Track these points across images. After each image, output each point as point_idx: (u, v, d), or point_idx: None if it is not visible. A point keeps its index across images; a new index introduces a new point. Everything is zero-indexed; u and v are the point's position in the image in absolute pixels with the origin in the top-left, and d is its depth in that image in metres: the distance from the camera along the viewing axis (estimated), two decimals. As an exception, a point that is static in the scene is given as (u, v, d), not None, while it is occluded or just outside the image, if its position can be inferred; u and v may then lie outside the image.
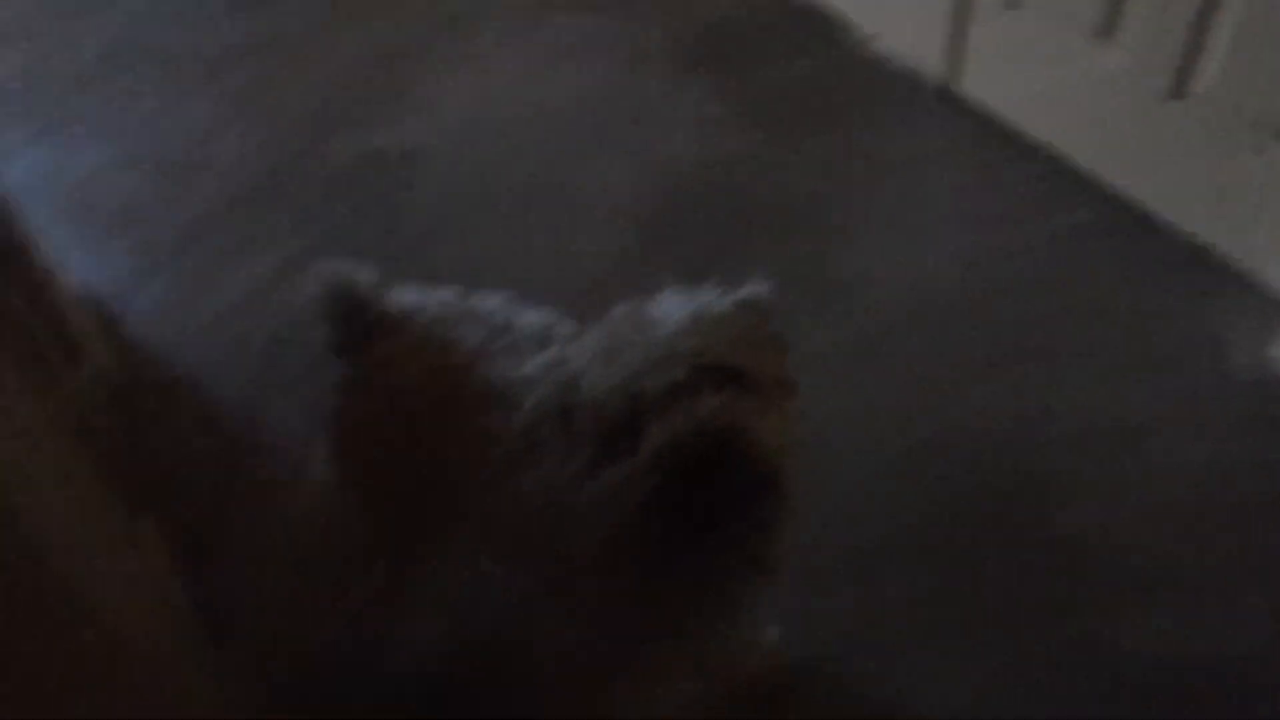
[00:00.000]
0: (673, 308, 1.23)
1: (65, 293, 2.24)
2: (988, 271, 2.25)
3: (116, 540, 1.58)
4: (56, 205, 2.69)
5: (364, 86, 2.89)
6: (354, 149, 2.70)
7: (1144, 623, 1.74)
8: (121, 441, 2.16)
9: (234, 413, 2.22)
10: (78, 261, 2.51)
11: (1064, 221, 2.31)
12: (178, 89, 3.01)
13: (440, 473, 1.48)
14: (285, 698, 1.71)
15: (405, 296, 1.55)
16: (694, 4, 3.04)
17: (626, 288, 2.17)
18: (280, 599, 1.95)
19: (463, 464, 1.44)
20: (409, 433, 1.48)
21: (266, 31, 3.15)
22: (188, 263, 2.52)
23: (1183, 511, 1.86)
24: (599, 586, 1.34)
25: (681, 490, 1.13)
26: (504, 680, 1.74)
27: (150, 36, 3.23)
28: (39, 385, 1.96)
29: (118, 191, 2.71)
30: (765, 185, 2.48)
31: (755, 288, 1.29)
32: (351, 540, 1.77)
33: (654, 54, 2.87)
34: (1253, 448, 1.92)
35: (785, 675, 1.73)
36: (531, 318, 1.50)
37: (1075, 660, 1.72)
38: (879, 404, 2.05)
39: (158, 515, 1.86)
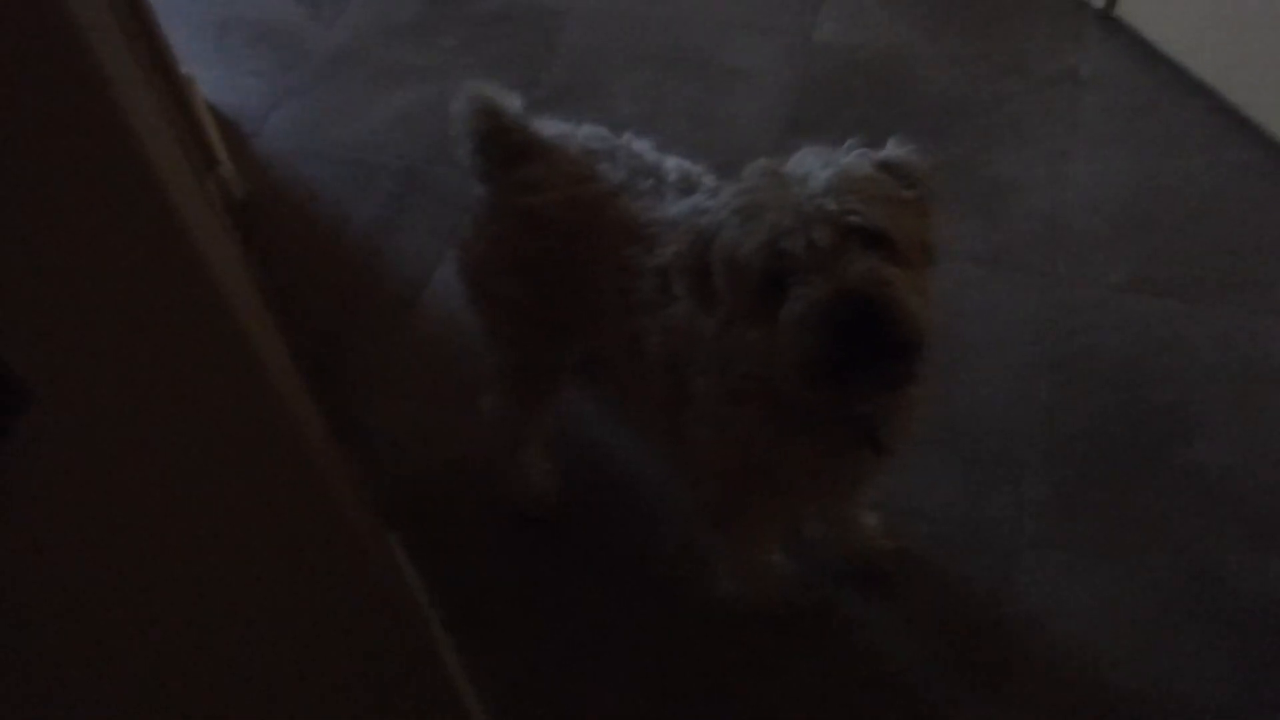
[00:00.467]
0: (815, 165, 1.20)
1: (200, 103, 2.24)
2: (1137, 198, 2.19)
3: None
4: (200, 19, 2.68)
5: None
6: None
7: (1261, 566, 1.72)
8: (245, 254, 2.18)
9: (361, 238, 2.22)
10: (216, 78, 2.50)
11: (1219, 159, 2.24)
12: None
13: (574, 297, 1.49)
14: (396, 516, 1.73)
15: (552, 126, 1.54)
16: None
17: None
18: (401, 420, 1.97)
19: (597, 291, 1.44)
20: (544, 256, 1.48)
21: None
22: (328, 89, 2.51)
23: (1315, 461, 1.82)
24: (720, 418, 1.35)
25: (829, 345, 1.12)
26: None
27: None
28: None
29: (266, 11, 2.70)
30: (918, 83, 2.42)
31: (899, 149, 1.26)
32: (477, 362, 1.78)
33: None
34: (1395, 409, 1.87)
35: (892, 559, 1.73)
36: (677, 163, 1.49)
37: (1186, 591, 1.70)
38: (1019, 312, 2.02)
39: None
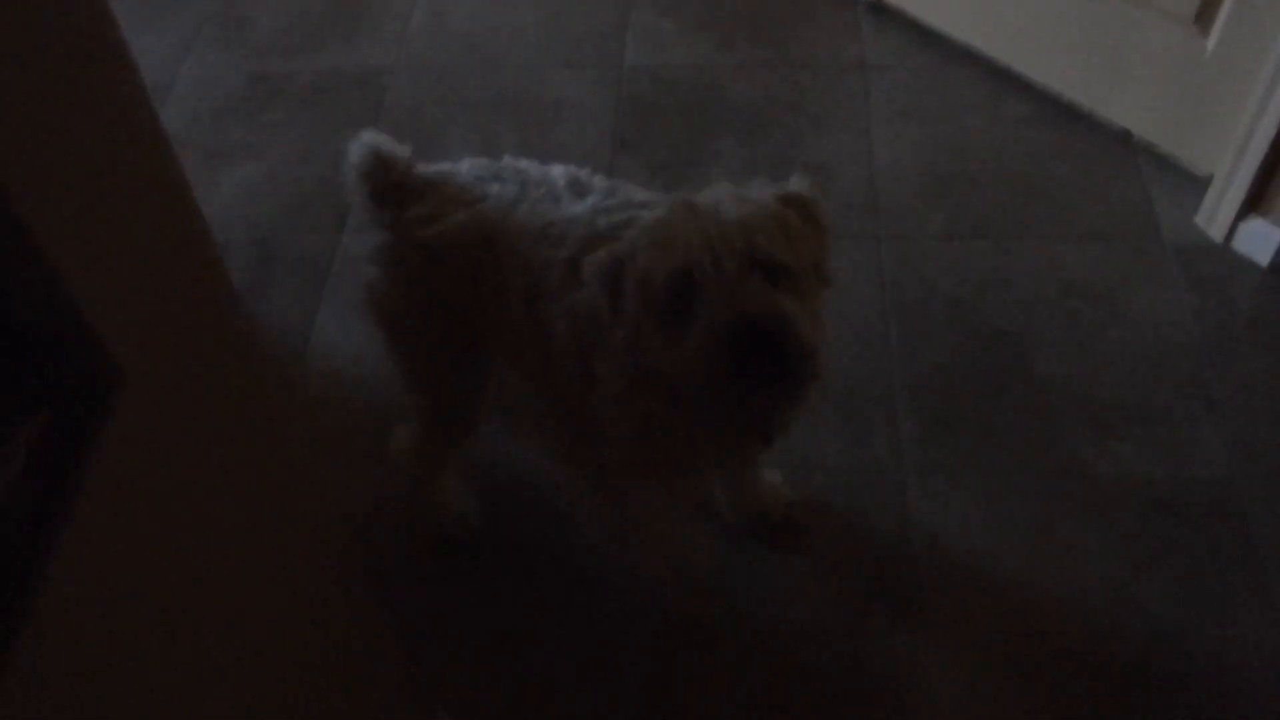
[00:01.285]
0: (725, 199, 1.34)
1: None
2: (935, 160, 2.43)
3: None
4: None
5: (322, 11, 2.92)
6: (320, 67, 2.74)
7: (1114, 453, 1.95)
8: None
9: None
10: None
11: (999, 115, 2.51)
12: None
13: (486, 311, 1.59)
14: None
15: (434, 166, 1.64)
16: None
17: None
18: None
19: (507, 295, 1.55)
20: (453, 283, 1.58)
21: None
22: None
23: (1135, 357, 2.08)
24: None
25: (730, 366, 1.26)
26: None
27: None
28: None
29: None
30: (723, 91, 2.62)
31: (799, 182, 1.43)
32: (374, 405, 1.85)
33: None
34: (1188, 301, 2.15)
35: (795, 511, 1.89)
36: (563, 169, 1.61)
37: (1056, 486, 1.92)
38: (857, 273, 2.22)
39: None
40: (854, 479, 1.95)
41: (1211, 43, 2.16)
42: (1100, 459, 1.95)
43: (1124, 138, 2.42)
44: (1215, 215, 2.23)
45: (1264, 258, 2.18)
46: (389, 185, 1.59)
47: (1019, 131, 2.48)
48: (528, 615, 1.83)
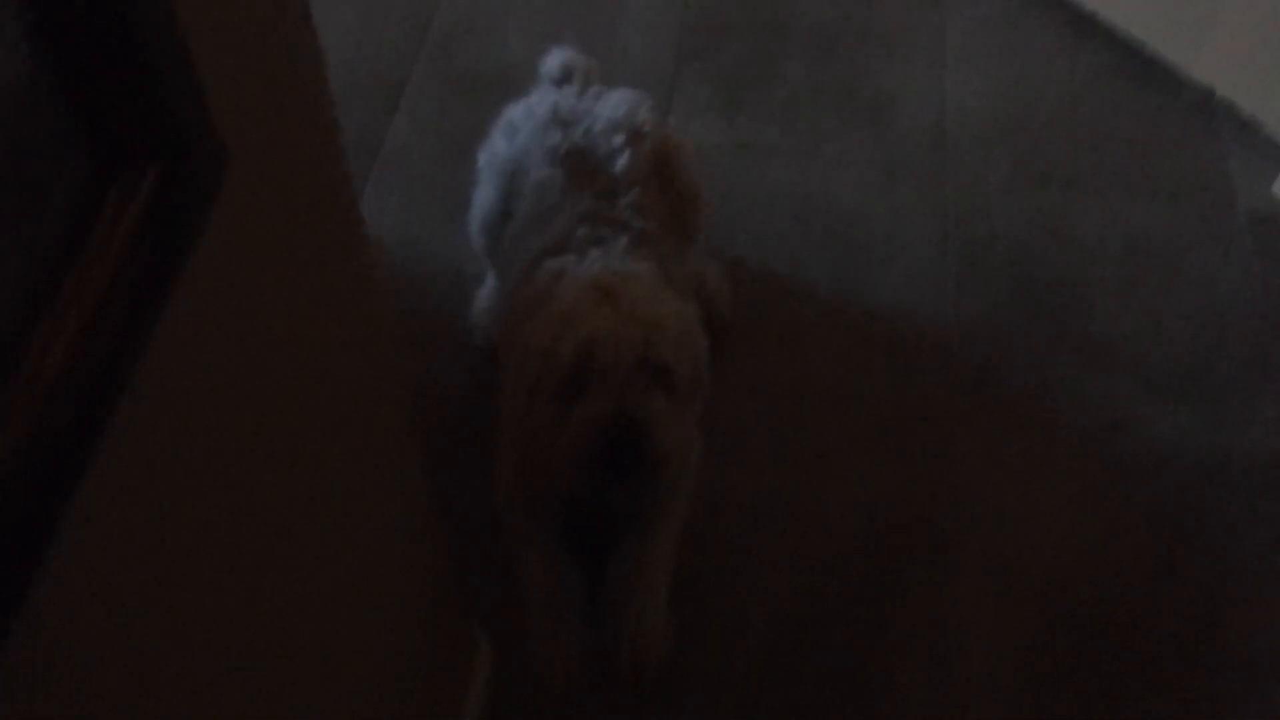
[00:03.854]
0: (640, 296, 1.47)
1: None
2: (1007, 103, 2.35)
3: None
4: None
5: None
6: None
7: (1167, 417, 1.90)
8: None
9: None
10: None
11: (1077, 62, 2.43)
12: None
13: None
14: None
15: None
16: None
17: (662, 98, 2.25)
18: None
19: None
20: None
21: None
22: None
23: (1198, 323, 2.02)
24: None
25: (596, 450, 1.40)
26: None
27: None
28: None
29: None
30: (792, 12, 2.53)
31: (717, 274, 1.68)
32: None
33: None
34: (1257, 271, 2.09)
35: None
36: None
37: (1103, 444, 1.87)
38: (918, 211, 2.16)
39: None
40: (900, 418, 1.90)
41: (1311, 3, 2.08)
42: (1151, 421, 1.90)
43: (1206, 97, 2.33)
44: (1295, 185, 2.16)
45: (1340, 234, 2.12)
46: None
47: (1096, 81, 2.40)
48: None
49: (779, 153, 2.26)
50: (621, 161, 1.66)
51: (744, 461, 1.85)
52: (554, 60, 1.87)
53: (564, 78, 1.83)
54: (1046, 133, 2.30)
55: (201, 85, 0.55)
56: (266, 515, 0.79)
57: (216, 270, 0.63)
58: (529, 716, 1.62)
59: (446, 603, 1.39)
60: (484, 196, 1.84)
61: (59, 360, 0.52)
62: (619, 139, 1.68)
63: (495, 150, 1.81)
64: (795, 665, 1.66)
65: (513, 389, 1.53)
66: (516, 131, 1.77)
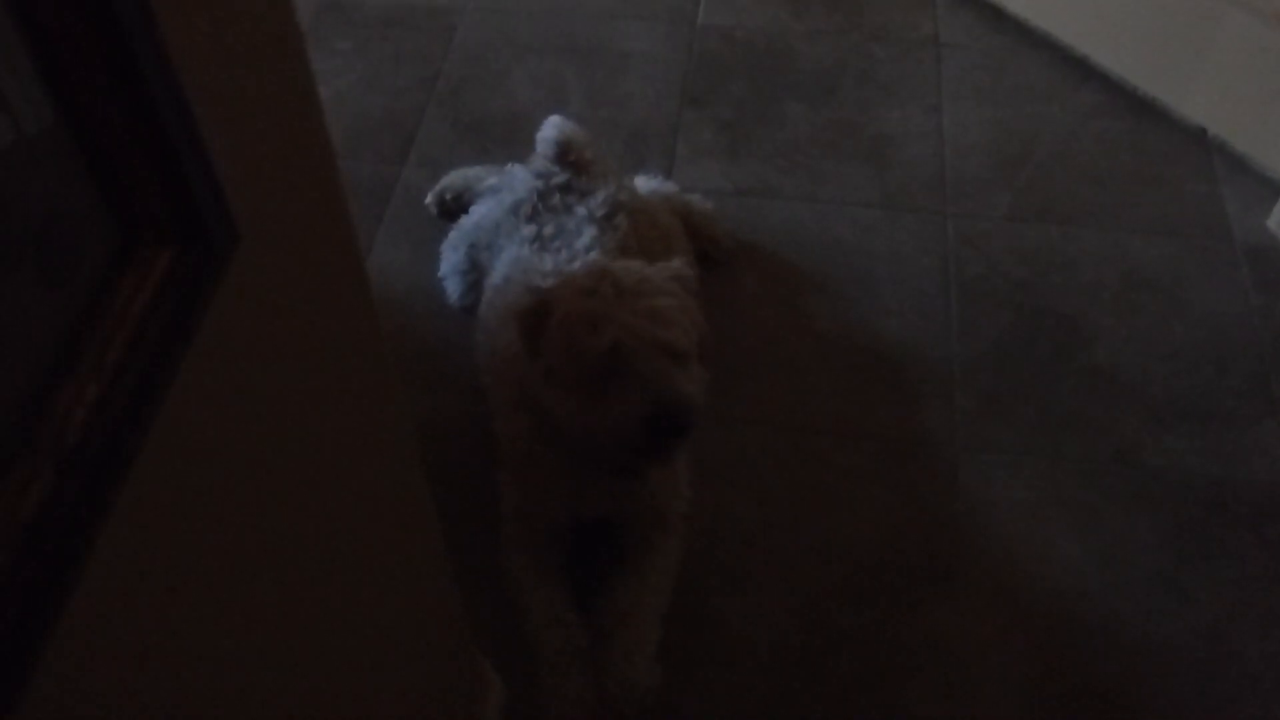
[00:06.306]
0: (645, 279, 1.58)
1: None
2: (1004, 142, 2.40)
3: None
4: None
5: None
6: (388, 1, 2.73)
7: (1170, 447, 1.93)
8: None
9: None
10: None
11: (1071, 103, 2.48)
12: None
13: None
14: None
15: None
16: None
17: (666, 144, 2.30)
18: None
19: None
20: None
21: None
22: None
23: (1198, 353, 2.05)
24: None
25: (641, 439, 1.51)
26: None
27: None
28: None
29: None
30: (793, 56, 2.59)
31: (678, 265, 1.65)
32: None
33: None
34: (1255, 303, 2.12)
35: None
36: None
37: (1106, 474, 1.90)
38: (919, 247, 2.21)
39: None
40: (905, 450, 1.93)
41: (1298, 41, 2.12)
42: (1154, 452, 1.93)
43: (1198, 134, 2.38)
44: (1289, 219, 2.19)
45: (1335, 265, 2.15)
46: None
47: (1091, 120, 2.44)
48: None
49: (781, 194, 2.31)
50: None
51: (747, 493, 1.88)
52: (550, 132, 1.94)
53: (560, 155, 1.91)
54: (1043, 170, 2.35)
55: (216, 174, 0.60)
56: (279, 567, 0.83)
57: (226, 340, 0.67)
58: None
59: (457, 640, 1.43)
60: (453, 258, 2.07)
61: (80, 422, 0.56)
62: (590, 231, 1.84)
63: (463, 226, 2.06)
64: (800, 695, 1.68)
65: (502, 401, 1.72)
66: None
